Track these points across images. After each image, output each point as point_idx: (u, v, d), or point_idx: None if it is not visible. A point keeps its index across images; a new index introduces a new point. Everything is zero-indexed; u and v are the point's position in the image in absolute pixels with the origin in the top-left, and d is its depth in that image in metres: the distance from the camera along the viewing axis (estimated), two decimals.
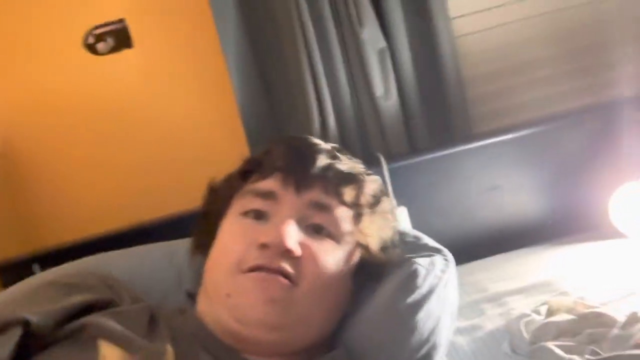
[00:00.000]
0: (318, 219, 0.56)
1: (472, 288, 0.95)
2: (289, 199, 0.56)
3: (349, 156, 0.63)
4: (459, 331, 0.81)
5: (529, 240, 1.09)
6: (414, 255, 0.64)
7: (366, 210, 0.59)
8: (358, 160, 0.64)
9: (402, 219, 1.01)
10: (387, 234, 0.62)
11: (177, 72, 1.20)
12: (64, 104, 1.18)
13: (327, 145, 0.62)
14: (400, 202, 1.00)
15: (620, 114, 1.08)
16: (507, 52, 1.25)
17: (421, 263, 0.61)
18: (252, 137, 1.15)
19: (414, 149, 1.14)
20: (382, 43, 1.12)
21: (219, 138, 1.21)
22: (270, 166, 0.59)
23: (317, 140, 0.62)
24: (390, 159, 1.07)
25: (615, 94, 1.18)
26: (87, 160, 1.21)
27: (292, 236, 0.52)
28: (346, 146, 1.12)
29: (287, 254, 0.52)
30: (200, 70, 1.20)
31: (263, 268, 0.51)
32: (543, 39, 1.25)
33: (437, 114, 1.17)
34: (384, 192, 0.63)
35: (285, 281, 0.51)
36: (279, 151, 0.60)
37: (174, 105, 1.21)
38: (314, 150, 0.59)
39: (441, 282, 0.61)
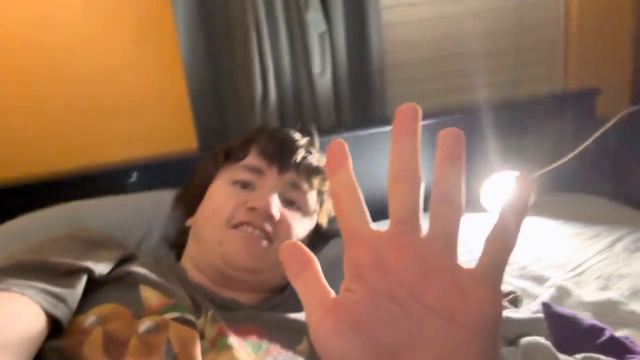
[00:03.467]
0: (292, 195, 0.75)
1: None
2: (273, 177, 0.74)
3: (317, 150, 0.82)
4: None
5: None
6: None
7: (327, 196, 0.79)
8: (323, 155, 0.82)
9: None
10: None
11: (120, 17, 1.20)
12: None
13: (303, 140, 0.79)
14: None
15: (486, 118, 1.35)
16: (425, 45, 1.47)
17: None
18: (194, 98, 1.23)
19: (340, 123, 1.33)
20: (323, 27, 1.26)
21: (159, 92, 1.26)
22: (258, 149, 0.76)
23: (296, 135, 0.79)
24: (320, 131, 1.25)
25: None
26: (20, 98, 1.19)
27: (275, 205, 0.70)
28: (283, 116, 1.28)
29: (269, 218, 0.69)
30: (147, 23, 1.21)
31: (250, 224, 0.69)
32: (455, 38, 1.48)
33: (362, 93, 1.36)
34: None
35: (265, 243, 0.69)
36: (266, 139, 0.77)
37: (114, 53, 1.22)
38: (295, 145, 0.77)
39: None
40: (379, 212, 1.43)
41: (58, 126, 1.21)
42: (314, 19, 1.24)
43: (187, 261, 0.74)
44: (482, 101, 1.40)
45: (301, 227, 0.75)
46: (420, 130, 0.29)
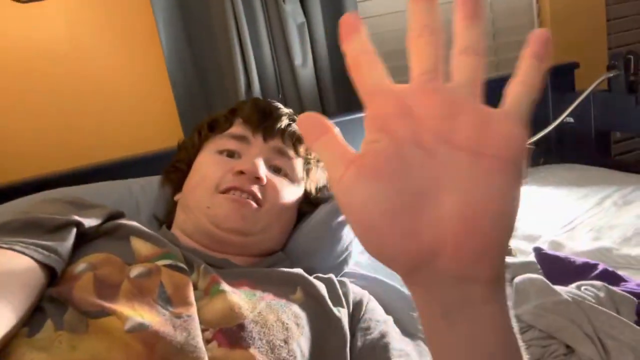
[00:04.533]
0: (279, 162, 0.75)
1: None
2: (258, 144, 0.74)
3: None
4: (364, 251, 1.04)
5: None
6: None
7: (313, 164, 0.79)
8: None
9: None
10: (324, 181, 0.83)
11: (103, 26, 1.24)
12: None
13: (287, 110, 0.80)
14: None
15: None
16: (402, 36, 1.51)
17: None
18: (179, 95, 1.25)
19: (325, 114, 1.35)
20: (302, 18, 1.29)
21: (145, 91, 1.29)
22: (242, 118, 0.76)
23: (279, 104, 0.80)
24: None
25: None
26: (14, 104, 1.22)
27: (262, 168, 0.70)
28: None
29: (256, 181, 0.69)
30: (128, 25, 1.25)
31: (237, 189, 0.68)
32: None
33: (345, 84, 1.39)
34: None
35: (254, 205, 0.69)
36: (250, 108, 0.77)
37: (99, 58, 1.25)
38: (279, 112, 0.78)
39: None
40: None
41: (51, 130, 1.24)
42: (292, 10, 1.27)
43: (177, 230, 0.74)
44: None
45: (289, 193, 0.74)
46: None
